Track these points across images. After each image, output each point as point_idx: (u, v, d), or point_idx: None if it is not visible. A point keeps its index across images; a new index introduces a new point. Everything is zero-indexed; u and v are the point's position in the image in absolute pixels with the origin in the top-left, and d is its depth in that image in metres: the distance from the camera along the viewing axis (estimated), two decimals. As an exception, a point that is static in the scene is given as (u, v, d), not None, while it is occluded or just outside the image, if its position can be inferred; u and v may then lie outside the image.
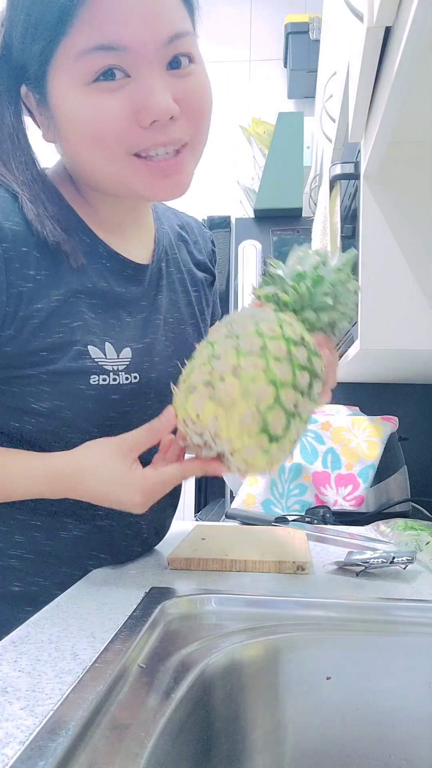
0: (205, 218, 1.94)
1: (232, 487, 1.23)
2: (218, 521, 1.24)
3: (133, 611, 0.54)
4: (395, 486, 1.26)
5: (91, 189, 0.68)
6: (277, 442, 0.57)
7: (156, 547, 0.83)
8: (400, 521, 1.02)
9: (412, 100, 0.75)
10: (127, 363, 0.68)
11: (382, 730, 0.54)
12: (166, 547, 0.82)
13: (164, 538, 0.84)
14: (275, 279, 0.63)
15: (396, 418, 1.31)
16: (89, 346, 0.65)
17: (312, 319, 0.62)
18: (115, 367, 0.67)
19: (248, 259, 1.78)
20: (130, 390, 0.68)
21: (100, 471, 0.63)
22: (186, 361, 0.62)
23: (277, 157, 1.91)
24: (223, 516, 1.28)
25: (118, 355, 0.67)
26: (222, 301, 1.89)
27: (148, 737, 0.36)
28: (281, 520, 1.08)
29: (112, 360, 0.67)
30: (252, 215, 1.91)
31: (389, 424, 1.27)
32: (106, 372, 0.66)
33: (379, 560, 0.70)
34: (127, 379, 0.68)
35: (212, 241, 0.92)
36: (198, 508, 2.02)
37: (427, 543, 0.81)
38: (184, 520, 1.18)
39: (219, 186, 2.50)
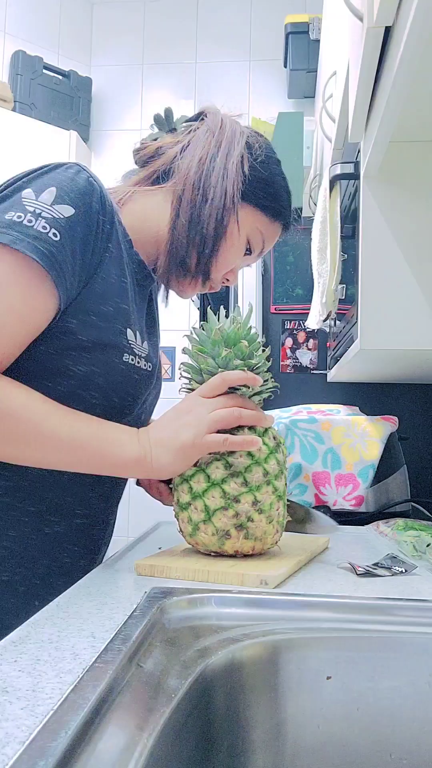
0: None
1: None
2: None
3: (133, 611, 0.54)
4: (395, 486, 1.26)
5: (182, 267, 0.83)
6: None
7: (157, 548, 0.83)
8: (400, 521, 1.02)
9: (411, 100, 0.75)
10: (147, 353, 0.81)
11: (382, 730, 0.54)
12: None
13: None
14: (190, 371, 0.77)
15: (396, 418, 1.31)
16: (127, 328, 0.76)
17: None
18: (140, 353, 0.79)
19: (248, 259, 1.79)
20: (146, 376, 0.80)
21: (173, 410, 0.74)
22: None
23: (277, 157, 1.91)
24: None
25: (142, 344, 0.80)
26: (222, 301, 1.89)
27: (148, 737, 0.36)
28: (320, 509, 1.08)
29: (138, 346, 0.79)
30: (252, 215, 1.91)
31: (389, 424, 1.27)
32: (135, 354, 0.77)
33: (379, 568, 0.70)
34: (145, 365, 0.80)
35: None
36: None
37: (428, 545, 0.81)
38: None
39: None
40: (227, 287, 1.89)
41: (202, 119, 0.85)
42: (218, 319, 0.76)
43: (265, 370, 0.78)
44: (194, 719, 0.44)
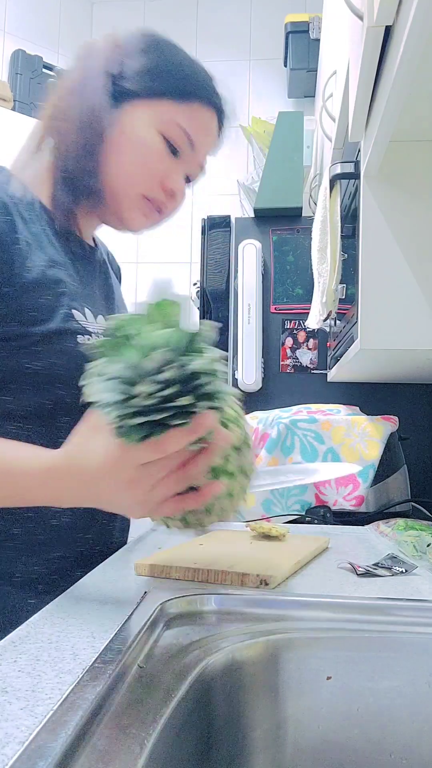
0: (205, 218, 1.94)
1: None
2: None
3: (133, 611, 0.54)
4: (395, 486, 1.26)
5: (88, 198, 0.78)
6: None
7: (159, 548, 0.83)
8: (400, 521, 1.02)
9: (412, 100, 0.75)
10: (104, 328, 0.70)
11: (381, 730, 0.54)
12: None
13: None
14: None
15: (396, 418, 1.31)
16: (73, 310, 0.74)
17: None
18: (95, 330, 0.76)
19: (248, 258, 1.78)
20: None
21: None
22: None
23: (277, 156, 1.91)
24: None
25: (95, 320, 0.77)
26: (222, 301, 1.89)
27: (148, 737, 0.36)
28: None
29: (91, 323, 0.76)
30: (252, 215, 1.91)
31: (389, 424, 1.27)
32: (90, 333, 0.75)
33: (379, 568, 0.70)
34: None
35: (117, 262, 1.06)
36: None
37: (429, 545, 0.81)
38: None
39: (219, 186, 2.50)
40: (227, 286, 1.89)
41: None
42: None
43: (210, 343, 0.51)
44: (194, 719, 0.44)
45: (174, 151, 0.77)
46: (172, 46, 0.78)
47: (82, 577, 0.71)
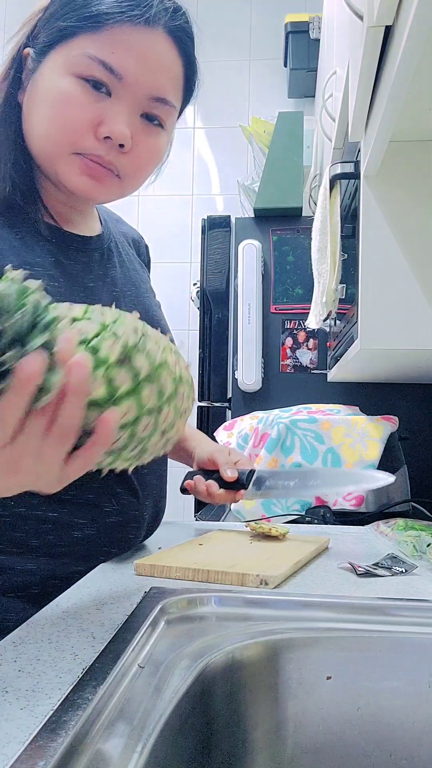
0: (205, 218, 1.94)
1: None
2: (218, 521, 1.24)
3: (133, 611, 0.54)
4: (395, 486, 1.26)
5: (24, 174, 0.70)
6: None
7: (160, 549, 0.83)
8: (400, 521, 1.02)
9: (412, 100, 0.75)
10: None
11: (382, 730, 0.54)
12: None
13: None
14: None
15: (396, 418, 1.31)
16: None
17: None
18: None
19: (248, 258, 1.78)
20: None
21: None
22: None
23: (277, 156, 1.91)
24: (224, 516, 1.28)
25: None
26: (222, 301, 1.89)
27: (148, 737, 0.36)
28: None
29: None
30: (252, 215, 1.91)
31: (389, 424, 1.27)
32: None
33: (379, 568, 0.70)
34: None
35: (146, 247, 0.98)
36: (198, 508, 2.02)
37: (429, 545, 0.81)
38: (184, 520, 1.18)
39: (219, 186, 2.50)
40: (227, 286, 1.89)
41: None
42: None
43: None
44: (194, 719, 0.44)
45: (98, 88, 0.65)
46: None
47: (132, 537, 0.72)
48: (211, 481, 0.87)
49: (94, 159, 0.67)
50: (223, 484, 0.88)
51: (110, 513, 0.73)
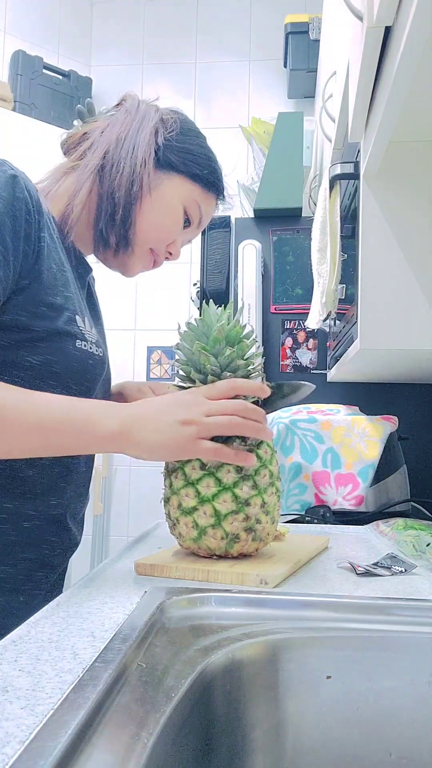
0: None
1: None
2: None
3: (133, 611, 0.54)
4: (395, 485, 1.26)
5: (108, 237, 0.85)
6: None
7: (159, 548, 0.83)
8: (400, 521, 1.02)
9: (411, 100, 0.75)
10: (96, 338, 0.84)
11: (382, 730, 0.54)
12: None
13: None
14: (191, 369, 0.75)
15: (396, 418, 1.31)
16: (76, 315, 0.79)
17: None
18: (90, 339, 0.81)
19: (248, 259, 1.78)
20: (99, 361, 0.83)
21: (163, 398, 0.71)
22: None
23: (276, 157, 1.91)
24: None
25: (91, 329, 0.83)
26: (222, 300, 1.89)
27: (148, 737, 0.36)
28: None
29: (88, 332, 0.81)
30: (252, 215, 1.91)
31: (389, 424, 1.27)
32: (86, 340, 0.80)
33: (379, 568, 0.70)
34: (96, 351, 0.82)
35: None
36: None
37: (428, 545, 0.81)
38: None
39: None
40: (227, 286, 1.89)
41: (121, 104, 0.89)
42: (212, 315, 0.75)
43: (262, 370, 0.78)
44: (194, 719, 0.44)
45: (187, 224, 0.89)
46: (204, 138, 0.91)
47: (43, 579, 0.78)
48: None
49: (156, 259, 0.89)
50: None
51: (54, 505, 0.80)
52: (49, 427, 0.65)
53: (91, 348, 0.80)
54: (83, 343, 0.78)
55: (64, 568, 0.87)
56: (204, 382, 0.73)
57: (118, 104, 0.90)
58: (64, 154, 0.90)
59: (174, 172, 0.86)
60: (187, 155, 0.87)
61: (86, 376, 0.79)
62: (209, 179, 0.88)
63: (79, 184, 0.83)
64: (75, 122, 0.91)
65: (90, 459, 0.88)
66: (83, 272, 0.88)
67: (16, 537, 0.77)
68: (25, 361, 0.73)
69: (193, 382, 0.74)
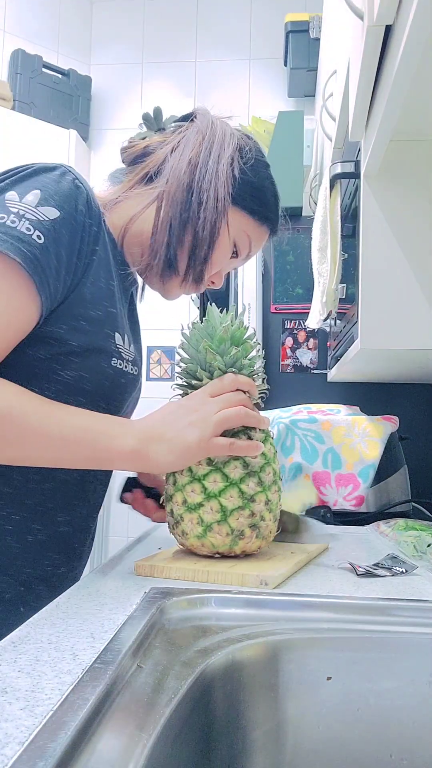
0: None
1: None
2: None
3: (133, 611, 0.54)
4: (395, 486, 1.26)
5: (161, 258, 0.82)
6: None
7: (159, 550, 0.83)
8: (400, 521, 1.02)
9: (412, 99, 0.75)
10: (134, 356, 0.82)
11: (382, 730, 0.54)
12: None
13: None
14: (197, 367, 0.75)
15: (396, 418, 1.31)
16: (116, 332, 0.76)
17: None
18: (128, 357, 0.79)
19: (248, 258, 1.78)
20: (132, 380, 0.81)
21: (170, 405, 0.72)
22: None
23: (277, 155, 1.91)
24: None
25: (129, 347, 0.80)
26: (222, 301, 1.89)
27: (148, 737, 0.36)
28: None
29: (126, 350, 0.79)
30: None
31: (389, 424, 1.27)
32: (122, 358, 0.78)
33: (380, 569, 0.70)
34: (132, 369, 0.81)
35: None
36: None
37: (429, 545, 0.81)
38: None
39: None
40: (227, 286, 1.89)
41: (192, 120, 0.85)
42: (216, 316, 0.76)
43: (263, 371, 0.78)
44: (194, 719, 0.44)
45: (234, 255, 0.86)
46: (267, 165, 0.87)
47: (44, 591, 0.76)
48: (149, 501, 0.88)
49: (197, 288, 0.85)
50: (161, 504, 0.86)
51: (62, 522, 0.78)
52: (70, 438, 0.65)
53: (126, 367, 0.79)
54: (119, 361, 0.77)
55: (72, 578, 0.84)
56: (211, 379, 0.74)
57: (188, 118, 0.86)
58: (123, 161, 0.88)
59: (235, 204, 0.82)
60: (255, 191, 0.84)
61: (117, 395, 0.78)
62: (265, 214, 0.85)
63: (145, 204, 0.81)
64: (139, 127, 0.88)
65: (106, 481, 0.86)
66: (129, 285, 0.86)
67: (19, 550, 0.75)
68: (57, 374, 0.72)
69: (200, 379, 0.74)
